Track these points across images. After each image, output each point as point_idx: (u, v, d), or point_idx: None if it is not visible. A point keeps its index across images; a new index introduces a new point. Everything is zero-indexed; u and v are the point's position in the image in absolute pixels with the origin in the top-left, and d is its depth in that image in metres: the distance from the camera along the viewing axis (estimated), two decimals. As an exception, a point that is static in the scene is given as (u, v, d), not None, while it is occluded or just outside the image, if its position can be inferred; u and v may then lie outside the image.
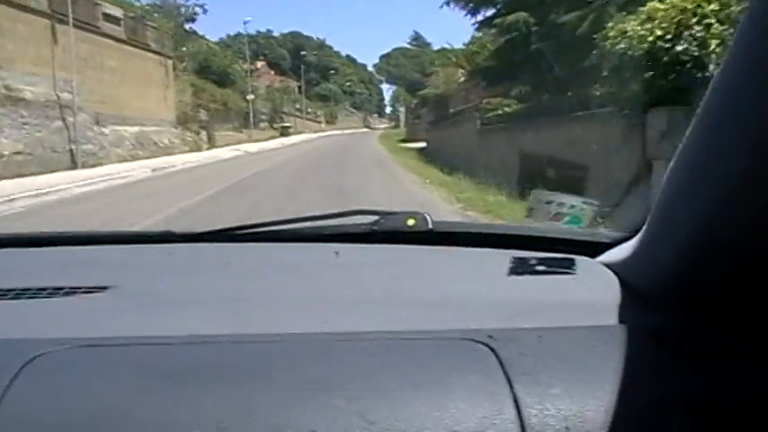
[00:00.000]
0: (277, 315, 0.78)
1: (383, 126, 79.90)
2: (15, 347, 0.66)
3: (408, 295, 0.86)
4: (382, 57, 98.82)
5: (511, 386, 0.60)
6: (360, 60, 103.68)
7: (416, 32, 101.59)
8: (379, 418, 0.57)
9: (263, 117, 37.79)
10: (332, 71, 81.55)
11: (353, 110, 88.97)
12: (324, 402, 0.58)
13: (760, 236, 0.58)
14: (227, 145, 27.11)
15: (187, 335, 0.69)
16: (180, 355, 0.66)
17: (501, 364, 0.63)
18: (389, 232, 1.08)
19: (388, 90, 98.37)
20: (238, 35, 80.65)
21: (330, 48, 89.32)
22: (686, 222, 0.64)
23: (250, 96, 32.30)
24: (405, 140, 34.04)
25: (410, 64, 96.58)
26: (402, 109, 51.31)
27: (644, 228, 0.75)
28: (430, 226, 1.08)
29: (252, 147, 27.82)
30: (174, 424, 0.57)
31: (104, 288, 0.86)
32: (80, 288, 0.86)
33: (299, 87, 72.43)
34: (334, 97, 78.16)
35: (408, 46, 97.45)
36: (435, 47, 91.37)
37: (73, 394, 0.60)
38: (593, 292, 0.83)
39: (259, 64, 67.78)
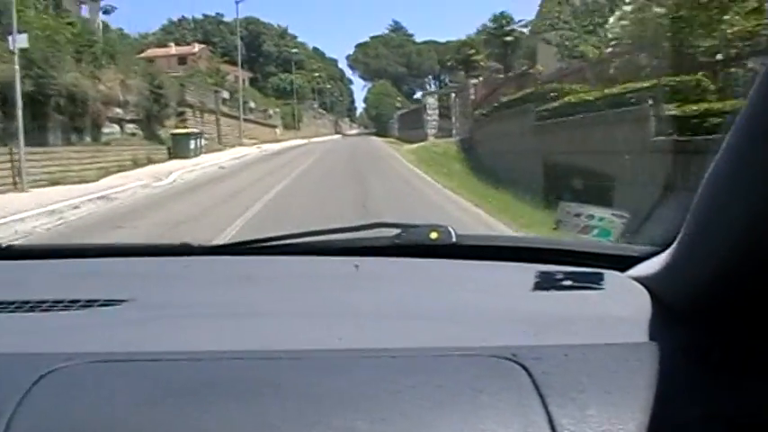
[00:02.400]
0: (292, 330, 0.78)
1: (354, 132, 64.32)
2: (28, 362, 0.66)
3: (428, 310, 0.85)
4: (358, 46, 78.78)
5: (545, 405, 0.59)
6: (329, 55, 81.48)
7: (396, 22, 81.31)
8: None
9: (120, 114, 15.23)
10: (295, 53, 59.15)
11: (323, 111, 67.26)
12: (344, 421, 0.57)
13: None
14: None
15: (201, 350, 0.69)
16: (192, 371, 0.66)
17: (534, 382, 0.62)
18: (412, 246, 1.06)
19: (363, 88, 78.07)
20: (183, 20, 59.64)
21: (294, 37, 67.77)
22: (722, 236, 0.64)
23: (19, 42, 9.71)
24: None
25: (393, 55, 76.18)
26: (432, 101, 28.55)
27: (677, 241, 0.74)
28: (453, 239, 1.06)
29: None
30: None
31: (121, 301, 0.86)
32: (96, 301, 0.85)
33: (252, 79, 50.90)
34: (299, 93, 55.42)
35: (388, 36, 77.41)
36: (418, 39, 72.91)
37: (82, 411, 0.60)
38: (622, 307, 0.81)
39: (197, 47, 45.95)
